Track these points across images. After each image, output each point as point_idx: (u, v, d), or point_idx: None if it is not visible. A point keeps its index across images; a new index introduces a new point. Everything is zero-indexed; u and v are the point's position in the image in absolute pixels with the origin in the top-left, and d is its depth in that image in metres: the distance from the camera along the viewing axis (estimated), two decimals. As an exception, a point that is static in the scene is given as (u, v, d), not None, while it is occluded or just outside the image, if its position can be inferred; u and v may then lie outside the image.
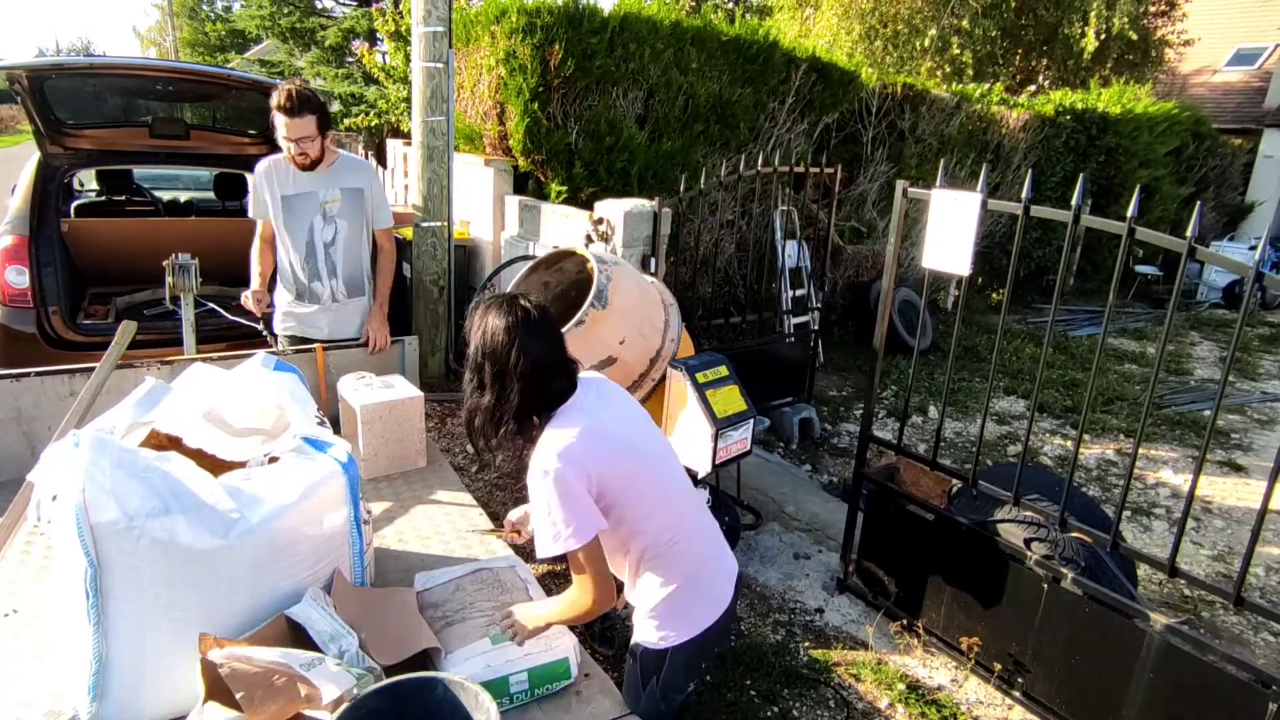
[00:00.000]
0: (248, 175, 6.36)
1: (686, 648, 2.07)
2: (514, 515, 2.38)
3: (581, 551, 1.83)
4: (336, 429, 3.35)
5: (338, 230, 3.67)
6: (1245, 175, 16.09)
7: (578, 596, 1.92)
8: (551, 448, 1.82)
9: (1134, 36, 14.15)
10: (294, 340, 3.77)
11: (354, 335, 3.81)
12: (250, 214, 3.68)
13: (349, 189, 3.63)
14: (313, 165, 3.50)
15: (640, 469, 1.99)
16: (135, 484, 1.81)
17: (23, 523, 2.48)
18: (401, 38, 8.88)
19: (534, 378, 1.82)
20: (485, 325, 1.84)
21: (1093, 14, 13.43)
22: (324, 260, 3.69)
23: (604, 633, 3.17)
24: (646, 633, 2.08)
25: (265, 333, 3.93)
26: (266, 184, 3.56)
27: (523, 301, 1.88)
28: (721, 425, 3.13)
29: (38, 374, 3.00)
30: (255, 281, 3.69)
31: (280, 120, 3.35)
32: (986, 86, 10.03)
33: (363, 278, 3.82)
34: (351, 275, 3.77)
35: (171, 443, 2.28)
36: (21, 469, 2.39)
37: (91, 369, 2.92)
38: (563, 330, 2.47)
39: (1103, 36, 13.64)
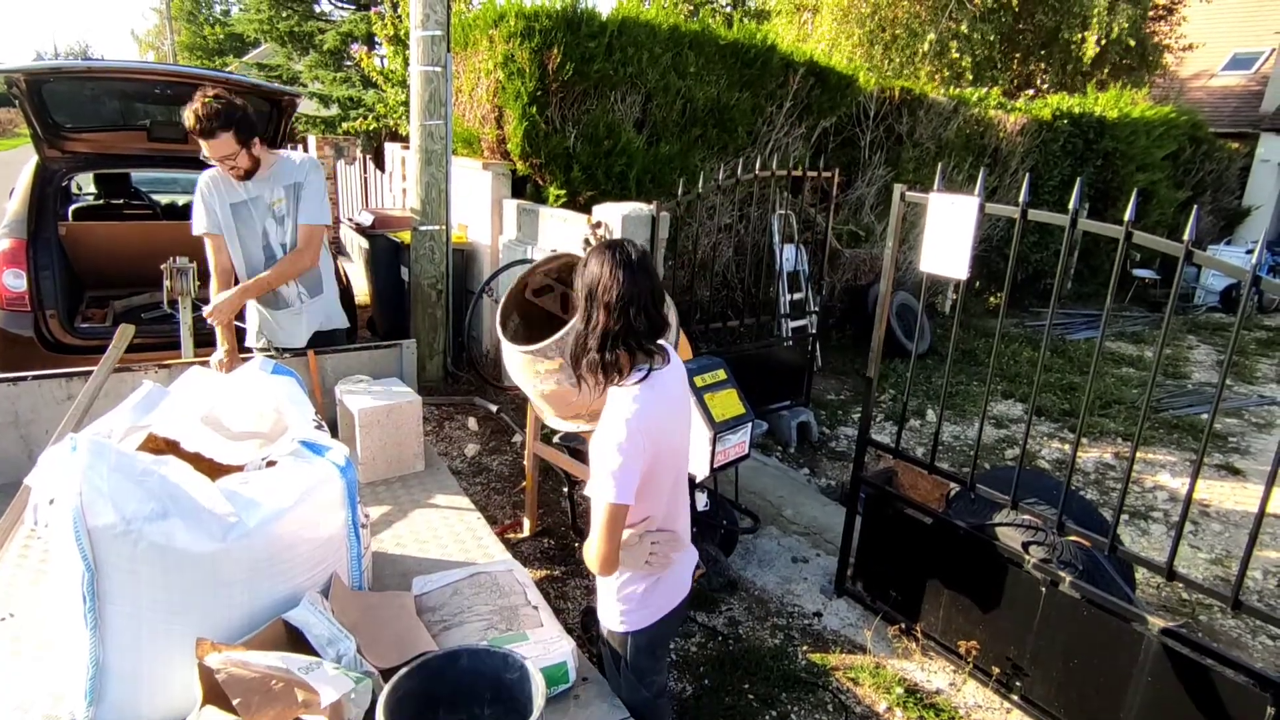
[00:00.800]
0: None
1: (648, 630, 2.13)
2: None
3: (613, 508, 1.87)
4: (334, 433, 3.35)
5: (289, 230, 3.55)
6: (1242, 179, 16.13)
7: (588, 551, 1.95)
8: (638, 408, 1.90)
9: (1133, 43, 14.17)
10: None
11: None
12: (196, 230, 3.43)
13: (290, 185, 3.52)
14: (249, 174, 3.39)
15: (672, 460, 2.08)
16: (133, 488, 1.81)
17: (20, 526, 2.48)
18: (400, 41, 8.90)
19: (619, 309, 1.90)
20: (590, 262, 1.95)
21: (1094, 19, 13.45)
22: None
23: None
24: (610, 616, 2.14)
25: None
26: (214, 195, 3.41)
27: (626, 244, 1.97)
28: (720, 429, 3.13)
29: (35, 378, 3.00)
30: (223, 343, 3.37)
31: (200, 142, 3.23)
32: (984, 91, 10.05)
33: (319, 277, 3.72)
34: (307, 275, 3.65)
35: (169, 446, 2.28)
36: (19, 472, 2.39)
37: (89, 372, 2.92)
38: (554, 338, 2.48)
39: (1103, 42, 13.65)
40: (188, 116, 3.17)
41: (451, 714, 1.89)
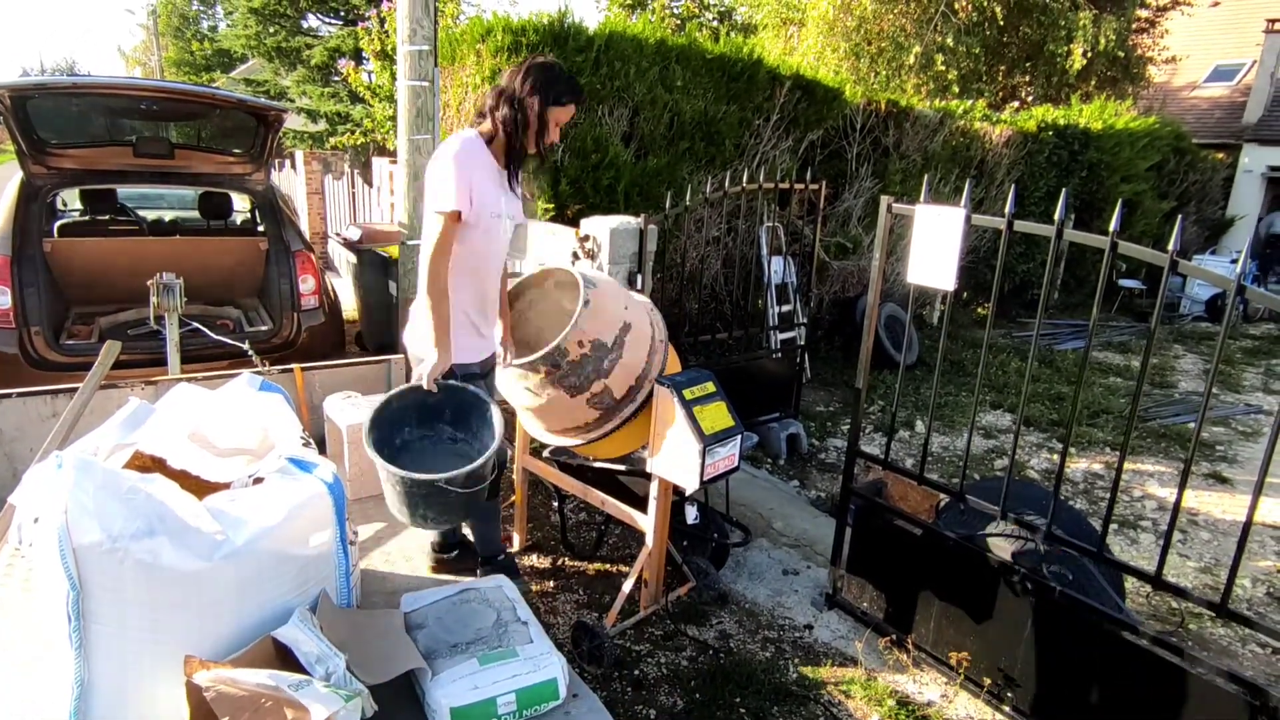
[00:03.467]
0: (232, 194, 6.40)
1: None
2: None
3: None
4: (322, 449, 3.34)
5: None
6: (1225, 190, 16.30)
7: None
8: None
9: (1121, 54, 14.32)
10: None
11: None
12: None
13: None
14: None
15: None
16: (119, 506, 1.79)
17: (4, 545, 2.45)
18: (387, 56, 8.92)
19: None
20: None
21: (1079, 33, 13.60)
22: None
23: (592, 652, 3.15)
24: None
25: (250, 353, 3.91)
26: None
27: None
28: (709, 442, 3.12)
29: (20, 395, 2.98)
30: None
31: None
32: (970, 103, 10.13)
33: None
34: None
35: (156, 464, 2.27)
36: (3, 490, 2.36)
37: (74, 390, 2.90)
38: (544, 352, 2.48)
39: (1088, 55, 13.80)
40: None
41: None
